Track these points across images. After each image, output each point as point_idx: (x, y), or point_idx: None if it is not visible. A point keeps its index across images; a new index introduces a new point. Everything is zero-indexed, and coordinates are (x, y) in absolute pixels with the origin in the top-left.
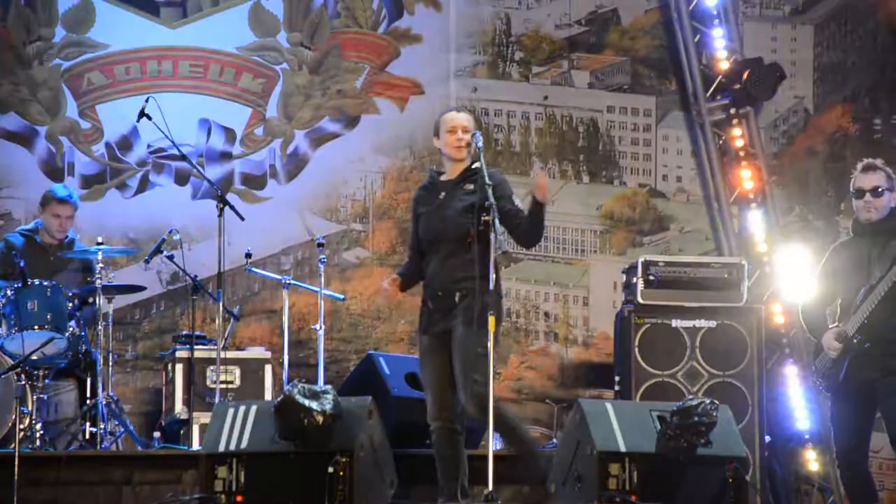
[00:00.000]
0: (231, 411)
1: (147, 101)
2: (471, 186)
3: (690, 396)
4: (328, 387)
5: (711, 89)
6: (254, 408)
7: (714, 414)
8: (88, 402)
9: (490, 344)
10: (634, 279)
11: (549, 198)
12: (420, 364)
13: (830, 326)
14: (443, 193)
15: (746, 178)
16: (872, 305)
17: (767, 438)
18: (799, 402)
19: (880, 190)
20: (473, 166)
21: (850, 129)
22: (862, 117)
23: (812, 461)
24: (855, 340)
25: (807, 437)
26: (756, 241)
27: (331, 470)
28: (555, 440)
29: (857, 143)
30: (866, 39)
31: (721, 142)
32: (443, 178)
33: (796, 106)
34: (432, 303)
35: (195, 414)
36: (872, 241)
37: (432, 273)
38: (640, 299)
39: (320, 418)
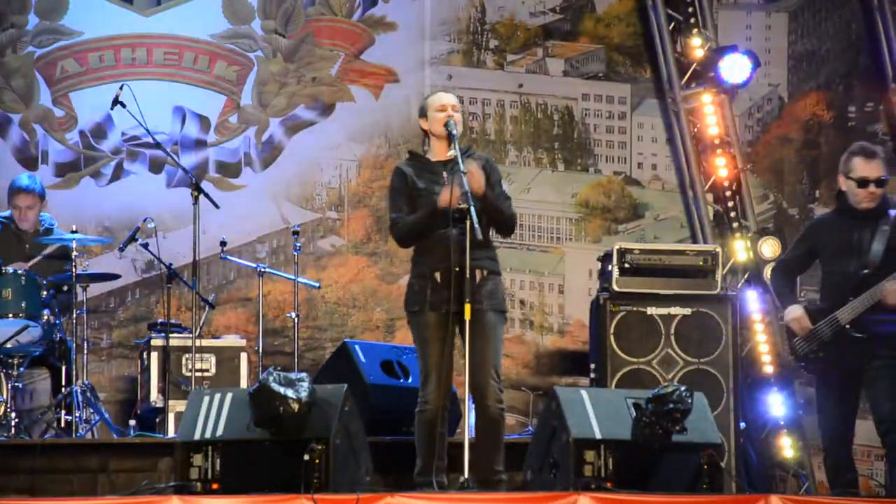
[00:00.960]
0: (206, 399)
1: (121, 88)
2: (474, 164)
3: (665, 384)
4: (303, 374)
5: (686, 77)
6: (229, 395)
7: (689, 401)
8: (64, 390)
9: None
10: (610, 266)
11: (479, 188)
12: (422, 343)
13: (800, 299)
14: (444, 173)
15: (721, 166)
16: (873, 300)
17: (742, 425)
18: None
19: (883, 179)
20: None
21: (824, 117)
22: (836, 105)
23: (787, 448)
24: (849, 329)
25: (781, 423)
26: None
27: (306, 457)
28: (530, 427)
29: (831, 130)
30: (840, 27)
31: (696, 130)
32: (430, 157)
33: (770, 94)
34: (443, 277)
35: (171, 402)
36: (863, 225)
37: (442, 248)
38: (615, 287)
39: (295, 406)
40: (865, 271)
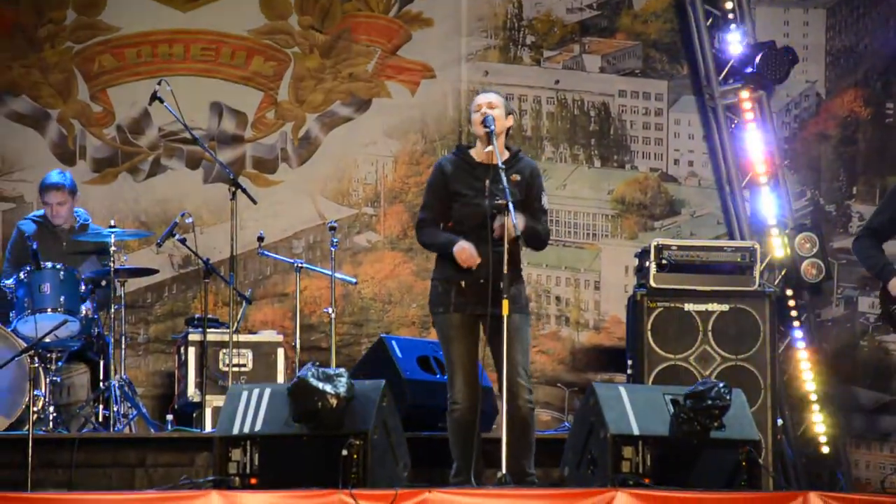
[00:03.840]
0: (245, 394)
1: (159, 84)
2: (517, 177)
3: (704, 380)
4: (342, 370)
5: (724, 73)
6: (268, 391)
7: (727, 397)
8: (102, 385)
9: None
10: (647, 263)
11: (508, 234)
12: (447, 341)
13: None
14: (487, 180)
15: (759, 162)
16: None
17: (780, 422)
18: (811, 386)
19: None
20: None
21: (861, 114)
22: (874, 101)
23: (823, 445)
24: None
25: (819, 420)
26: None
27: (345, 452)
28: (566, 423)
29: (868, 127)
30: (878, 23)
31: (733, 126)
32: (475, 157)
33: (808, 90)
34: (468, 284)
35: (208, 397)
36: None
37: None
38: (652, 283)
39: (334, 401)
40: None
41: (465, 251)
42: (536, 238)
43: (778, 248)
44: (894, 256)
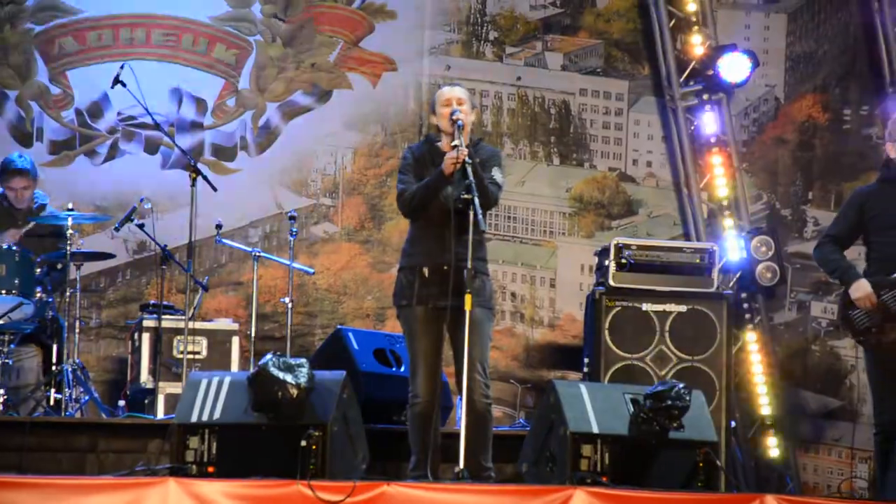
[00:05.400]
0: (204, 382)
1: (122, 67)
2: (476, 160)
3: (664, 380)
4: (303, 360)
5: (685, 75)
6: (227, 379)
7: (687, 398)
8: (54, 368)
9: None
10: (606, 262)
11: (449, 168)
12: (411, 335)
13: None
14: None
15: (717, 164)
16: None
17: (733, 424)
18: (763, 389)
19: None
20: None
21: (819, 119)
22: (832, 107)
23: (773, 448)
24: None
25: (769, 423)
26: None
27: (304, 443)
28: (520, 420)
29: (826, 132)
30: (839, 29)
31: (692, 128)
32: (442, 149)
33: (767, 94)
34: (431, 273)
35: (161, 383)
36: None
37: (434, 243)
38: (611, 282)
39: (294, 391)
40: None
41: (448, 160)
42: (484, 191)
43: (734, 250)
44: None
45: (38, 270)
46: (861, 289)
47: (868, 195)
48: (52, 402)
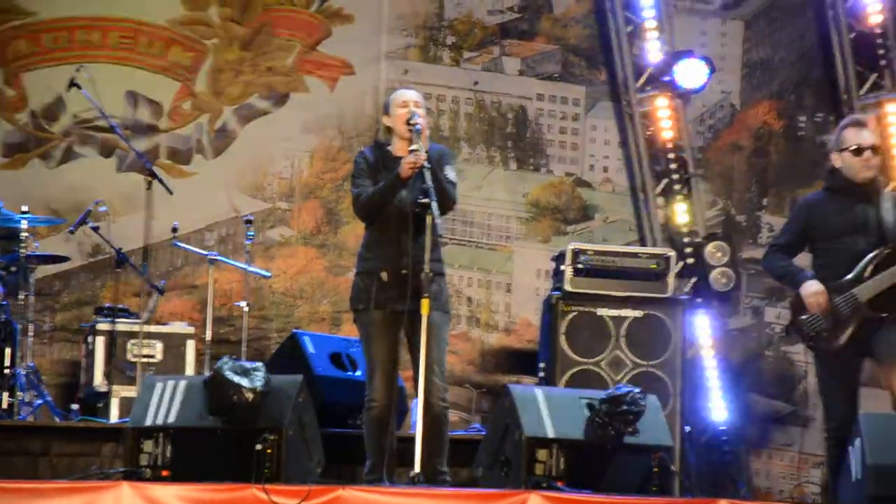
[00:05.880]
0: (160, 385)
1: (78, 70)
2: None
3: (619, 385)
4: (259, 364)
5: (641, 80)
6: (183, 383)
7: (642, 403)
8: (7, 371)
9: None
10: (563, 266)
11: (407, 172)
12: (368, 339)
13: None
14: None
15: (673, 170)
16: (894, 279)
17: (687, 429)
18: (716, 394)
19: (877, 147)
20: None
21: (774, 126)
22: (787, 114)
23: (725, 453)
24: (867, 307)
25: (722, 428)
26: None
27: (259, 447)
28: (475, 425)
29: (781, 139)
30: (794, 37)
31: (649, 133)
32: (394, 152)
33: (723, 101)
34: (389, 277)
35: (115, 387)
36: (862, 202)
37: (391, 247)
38: (568, 287)
39: (250, 395)
40: (886, 248)
41: (405, 164)
42: (444, 194)
43: (688, 256)
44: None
45: None
46: (813, 288)
47: (814, 204)
48: (4, 406)
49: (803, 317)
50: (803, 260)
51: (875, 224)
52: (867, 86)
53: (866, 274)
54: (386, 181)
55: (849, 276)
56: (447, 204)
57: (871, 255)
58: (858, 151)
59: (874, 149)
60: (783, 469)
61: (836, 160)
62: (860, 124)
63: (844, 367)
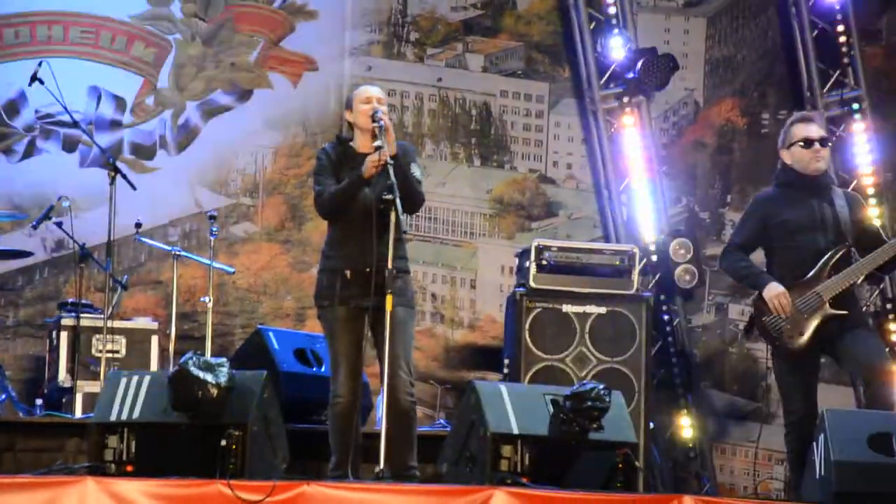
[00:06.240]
0: (124, 381)
1: (40, 65)
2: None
3: (584, 381)
4: (223, 359)
5: (605, 77)
6: (147, 378)
7: (607, 399)
8: None
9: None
10: (527, 263)
11: (371, 171)
12: (332, 335)
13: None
14: (373, 145)
15: (636, 167)
16: (857, 277)
17: (651, 425)
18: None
19: (825, 139)
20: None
21: (738, 123)
22: (750, 111)
23: (689, 449)
24: (830, 305)
25: (686, 424)
26: (644, 229)
27: (223, 443)
28: (440, 420)
29: (744, 137)
30: (757, 34)
31: (612, 130)
32: (356, 147)
33: (686, 98)
34: (353, 275)
35: (79, 382)
36: (816, 198)
37: (355, 245)
38: (532, 283)
39: (215, 391)
40: (842, 246)
41: (369, 162)
42: (411, 193)
43: (652, 253)
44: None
45: None
46: (775, 290)
47: (769, 201)
48: None
49: (765, 318)
50: (758, 256)
51: (832, 221)
52: (830, 83)
53: (826, 272)
54: (348, 180)
55: (810, 275)
56: (416, 202)
57: (829, 252)
58: (807, 143)
59: (822, 141)
60: (745, 465)
61: (786, 157)
62: (806, 119)
63: (803, 364)
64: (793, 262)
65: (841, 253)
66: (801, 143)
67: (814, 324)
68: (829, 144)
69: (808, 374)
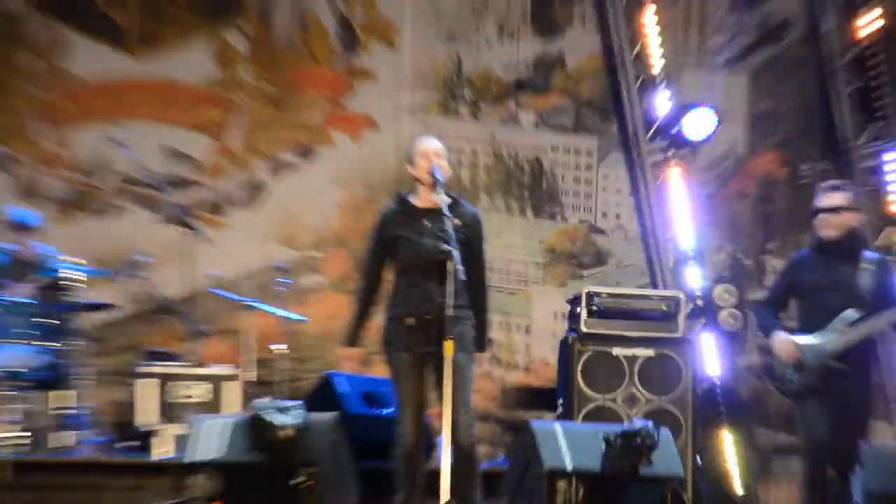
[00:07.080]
0: (206, 424)
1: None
2: (458, 221)
3: (635, 419)
4: (297, 402)
5: (651, 132)
6: (227, 421)
7: (656, 436)
8: (73, 411)
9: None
10: (578, 309)
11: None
12: (397, 379)
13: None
14: (426, 220)
15: (681, 217)
16: (860, 337)
17: (698, 460)
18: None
19: (837, 207)
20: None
21: (778, 174)
22: (790, 163)
23: (736, 484)
24: (832, 359)
25: (733, 460)
26: (689, 276)
27: (298, 482)
28: (500, 457)
29: (784, 187)
30: (797, 89)
31: (658, 182)
32: (415, 202)
33: (729, 151)
34: (417, 322)
35: (163, 426)
36: (843, 262)
37: (418, 294)
38: (583, 328)
39: (289, 432)
40: (864, 311)
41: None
42: (481, 301)
43: (698, 298)
44: None
45: (51, 321)
46: (780, 338)
47: (799, 261)
48: (72, 443)
49: (772, 363)
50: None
51: (848, 283)
52: (864, 136)
53: (839, 330)
54: (357, 310)
55: (823, 330)
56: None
57: (852, 316)
58: (817, 213)
59: (832, 209)
60: (787, 498)
61: (814, 222)
62: (825, 188)
63: (818, 399)
64: (812, 318)
65: (860, 317)
66: (814, 212)
67: (815, 371)
68: (849, 212)
69: (825, 407)
